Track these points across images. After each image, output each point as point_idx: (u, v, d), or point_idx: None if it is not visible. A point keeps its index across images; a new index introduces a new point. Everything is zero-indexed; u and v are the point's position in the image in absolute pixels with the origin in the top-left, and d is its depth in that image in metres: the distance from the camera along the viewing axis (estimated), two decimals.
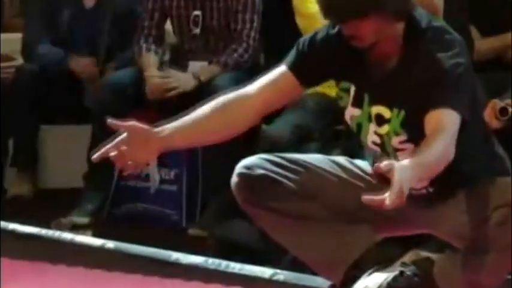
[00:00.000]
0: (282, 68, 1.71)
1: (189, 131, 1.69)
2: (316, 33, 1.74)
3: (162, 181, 3.58)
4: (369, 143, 1.70)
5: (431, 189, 1.64)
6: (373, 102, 1.62)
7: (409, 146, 1.58)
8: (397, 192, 1.20)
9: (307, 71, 1.70)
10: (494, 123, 2.58)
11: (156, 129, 1.64)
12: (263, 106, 1.74)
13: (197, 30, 3.61)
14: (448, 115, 1.42)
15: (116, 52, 3.92)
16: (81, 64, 3.85)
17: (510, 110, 2.66)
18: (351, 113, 1.68)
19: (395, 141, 1.61)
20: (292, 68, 1.69)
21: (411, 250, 1.75)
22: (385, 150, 1.65)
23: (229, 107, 1.69)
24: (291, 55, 1.72)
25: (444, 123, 1.42)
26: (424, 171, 1.35)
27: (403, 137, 1.59)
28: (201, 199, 3.54)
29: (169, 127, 1.64)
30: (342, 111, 1.80)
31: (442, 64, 1.50)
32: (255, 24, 3.53)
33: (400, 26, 1.58)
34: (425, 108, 1.44)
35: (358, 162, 1.84)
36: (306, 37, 1.78)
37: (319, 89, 3.08)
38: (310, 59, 1.71)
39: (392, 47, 1.61)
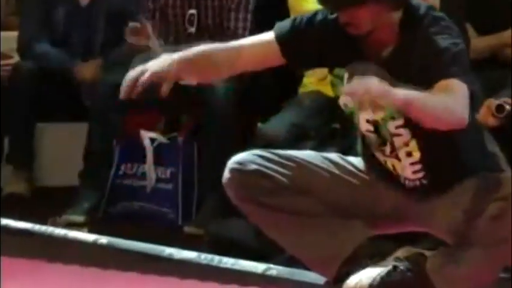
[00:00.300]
0: (270, 37, 1.71)
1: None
2: (315, 14, 1.72)
3: (158, 179, 3.60)
4: (363, 130, 1.70)
5: (425, 181, 1.65)
6: None
7: (406, 131, 1.60)
8: (351, 85, 1.36)
9: (297, 50, 1.70)
10: (491, 121, 2.58)
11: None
12: (241, 67, 1.79)
13: (192, 29, 3.62)
14: (455, 83, 1.41)
15: (110, 50, 3.91)
16: (88, 70, 3.84)
17: (507, 107, 2.65)
18: (345, 100, 1.65)
19: (391, 126, 1.61)
20: (282, 41, 1.68)
21: (404, 246, 1.75)
22: (381, 136, 1.65)
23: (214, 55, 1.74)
24: (284, 27, 1.71)
25: (452, 87, 1.41)
26: (408, 99, 1.35)
27: (400, 122, 1.59)
28: (197, 197, 3.55)
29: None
30: (337, 109, 1.81)
31: (440, 43, 1.50)
32: (248, 23, 3.55)
33: (397, 14, 1.58)
34: (428, 84, 1.42)
35: (351, 158, 1.83)
36: (304, 15, 1.76)
37: (315, 87, 3.08)
38: (304, 38, 1.70)
39: (389, 34, 1.60)
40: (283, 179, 1.69)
